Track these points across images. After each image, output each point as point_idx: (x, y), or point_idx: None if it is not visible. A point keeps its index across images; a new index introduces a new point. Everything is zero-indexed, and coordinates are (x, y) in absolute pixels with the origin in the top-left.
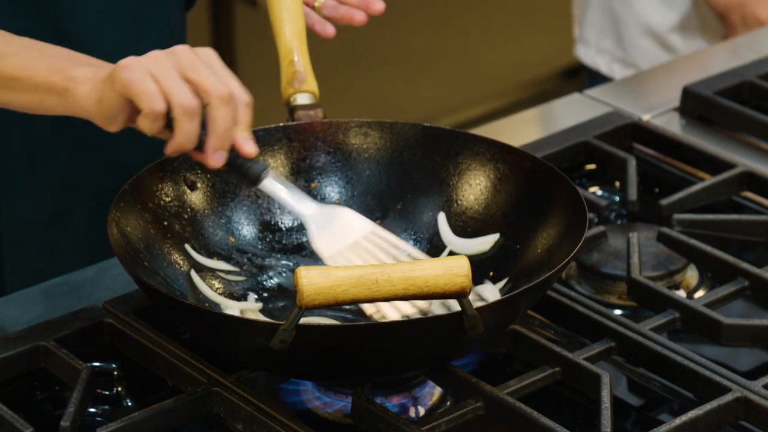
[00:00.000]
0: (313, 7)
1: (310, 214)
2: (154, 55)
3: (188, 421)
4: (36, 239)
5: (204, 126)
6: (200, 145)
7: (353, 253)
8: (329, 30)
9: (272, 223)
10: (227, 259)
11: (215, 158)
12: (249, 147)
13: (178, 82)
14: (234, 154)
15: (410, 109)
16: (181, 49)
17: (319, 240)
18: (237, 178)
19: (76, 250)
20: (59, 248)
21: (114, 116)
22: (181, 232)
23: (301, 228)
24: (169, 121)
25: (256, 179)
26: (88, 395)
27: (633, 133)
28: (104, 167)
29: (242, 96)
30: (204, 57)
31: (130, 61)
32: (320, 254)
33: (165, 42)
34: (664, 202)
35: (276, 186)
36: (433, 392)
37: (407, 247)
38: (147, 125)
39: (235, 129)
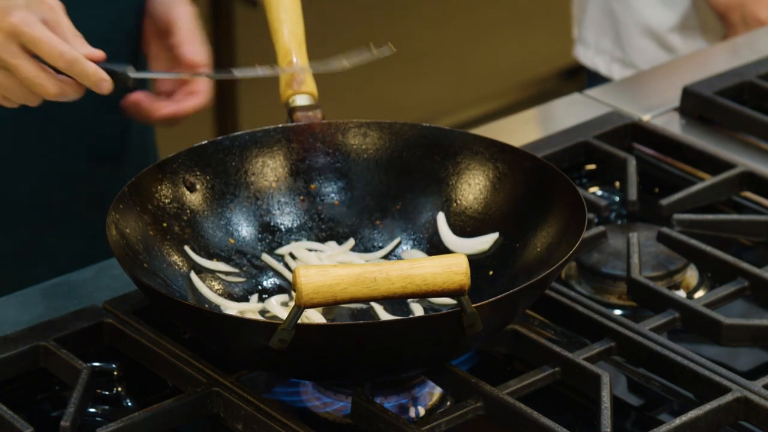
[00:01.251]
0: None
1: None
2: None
3: (188, 421)
4: (33, 240)
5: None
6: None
7: None
8: None
9: (271, 224)
10: (227, 260)
11: (101, 88)
12: (96, 53)
13: (35, 72)
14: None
15: (410, 109)
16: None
17: None
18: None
19: (76, 250)
20: (58, 249)
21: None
22: (181, 234)
23: (300, 229)
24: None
25: (125, 79)
26: (88, 395)
27: (633, 133)
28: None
29: (70, 53)
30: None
31: None
32: None
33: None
34: (664, 202)
35: (144, 75)
36: (433, 392)
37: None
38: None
39: (82, 62)
